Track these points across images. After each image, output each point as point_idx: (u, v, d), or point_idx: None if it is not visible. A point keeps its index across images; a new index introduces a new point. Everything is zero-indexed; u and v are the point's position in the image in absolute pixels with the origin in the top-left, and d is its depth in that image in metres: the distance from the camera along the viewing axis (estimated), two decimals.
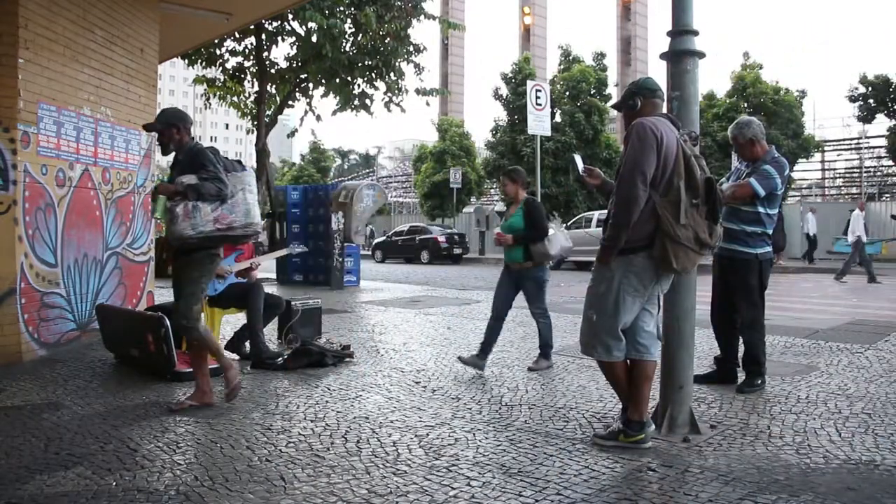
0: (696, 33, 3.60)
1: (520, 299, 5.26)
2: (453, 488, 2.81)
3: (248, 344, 5.50)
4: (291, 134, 16.75)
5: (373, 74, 14.21)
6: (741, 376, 4.53)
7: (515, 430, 3.60)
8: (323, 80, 14.16)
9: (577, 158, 3.69)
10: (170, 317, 4.93)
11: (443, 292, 11.56)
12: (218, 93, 15.46)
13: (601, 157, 23.90)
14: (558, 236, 4.99)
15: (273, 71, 14.70)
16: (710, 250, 3.27)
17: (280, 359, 5.26)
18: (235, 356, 5.58)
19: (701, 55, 3.63)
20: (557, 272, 18.32)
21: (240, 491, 2.80)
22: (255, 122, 14.86)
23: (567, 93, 25.10)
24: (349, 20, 13.22)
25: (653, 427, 3.41)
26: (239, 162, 4.28)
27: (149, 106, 7.25)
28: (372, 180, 37.29)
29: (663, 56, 3.67)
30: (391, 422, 3.79)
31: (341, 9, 12.85)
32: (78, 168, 6.10)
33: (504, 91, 25.81)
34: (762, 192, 4.30)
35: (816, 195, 32.19)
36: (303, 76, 14.67)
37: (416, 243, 23.85)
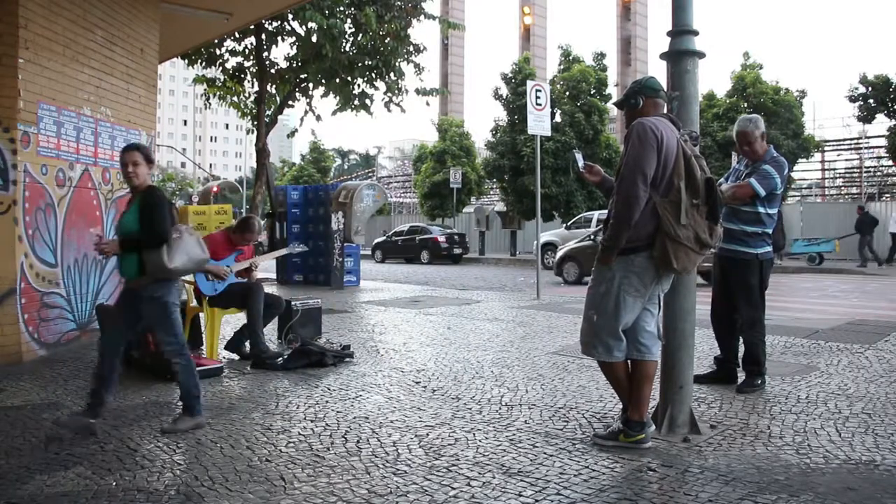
0: (696, 33, 3.60)
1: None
2: (453, 488, 2.81)
3: (248, 344, 5.50)
4: (291, 134, 16.74)
5: (373, 74, 14.20)
6: (741, 376, 4.53)
7: (515, 430, 3.60)
8: (323, 80, 14.15)
9: (578, 155, 3.68)
10: None
11: (443, 292, 11.56)
12: (218, 93, 15.44)
13: (601, 157, 23.89)
14: (187, 242, 3.54)
15: (273, 71, 14.69)
16: (710, 250, 3.28)
17: (280, 359, 5.26)
18: (235, 356, 5.59)
19: (701, 55, 3.63)
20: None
21: (240, 491, 2.80)
22: (255, 122, 14.86)
23: (567, 93, 25.11)
24: (349, 20, 13.20)
25: (653, 427, 3.41)
26: None
27: (149, 106, 7.26)
28: (372, 180, 37.29)
29: (663, 56, 3.67)
30: (391, 422, 3.79)
31: (341, 9, 12.85)
32: (78, 168, 6.10)
33: (504, 91, 25.79)
34: (762, 192, 4.30)
35: (816, 195, 32.20)
36: (303, 76, 14.66)
37: (416, 243, 23.86)
